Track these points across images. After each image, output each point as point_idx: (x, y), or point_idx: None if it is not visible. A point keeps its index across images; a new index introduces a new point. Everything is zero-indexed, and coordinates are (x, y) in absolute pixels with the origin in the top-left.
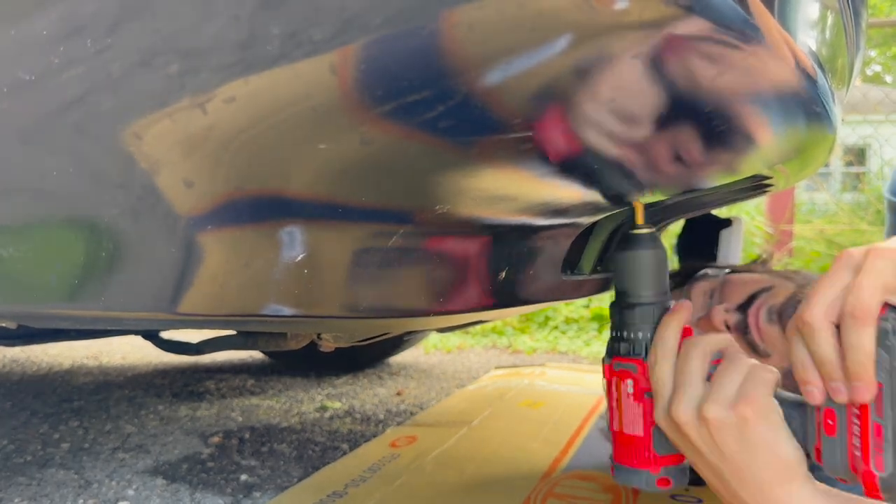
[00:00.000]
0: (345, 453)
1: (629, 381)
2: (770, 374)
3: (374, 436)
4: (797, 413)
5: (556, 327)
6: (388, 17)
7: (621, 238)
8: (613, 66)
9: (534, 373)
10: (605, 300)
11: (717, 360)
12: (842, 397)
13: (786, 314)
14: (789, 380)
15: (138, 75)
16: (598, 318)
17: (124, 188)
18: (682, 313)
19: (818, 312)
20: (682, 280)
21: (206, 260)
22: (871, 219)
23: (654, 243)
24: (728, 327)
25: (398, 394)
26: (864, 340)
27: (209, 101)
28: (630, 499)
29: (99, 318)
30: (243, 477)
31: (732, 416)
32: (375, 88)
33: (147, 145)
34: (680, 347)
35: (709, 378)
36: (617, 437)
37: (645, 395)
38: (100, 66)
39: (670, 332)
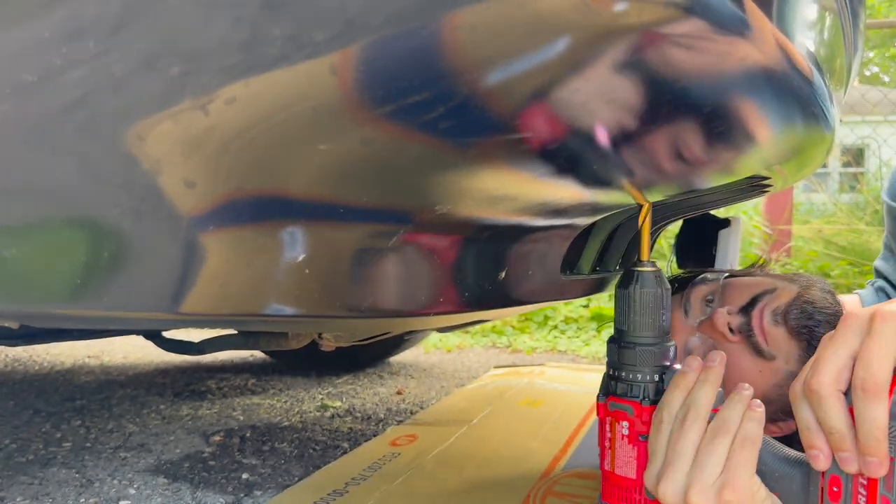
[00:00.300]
0: (345, 452)
1: (624, 423)
2: (752, 449)
3: (375, 434)
4: (799, 473)
5: (555, 327)
6: (388, 18)
7: (624, 273)
8: (612, 67)
9: (533, 372)
10: (604, 300)
11: (717, 409)
12: (852, 468)
13: (790, 316)
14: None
15: (140, 77)
16: (597, 317)
17: (126, 188)
18: (690, 375)
19: (826, 381)
20: (681, 285)
21: (207, 260)
22: (868, 219)
23: (658, 282)
24: (731, 330)
25: (398, 393)
26: (878, 415)
27: (211, 103)
28: None
29: (101, 318)
30: (244, 475)
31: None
32: (376, 89)
33: (149, 146)
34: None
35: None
36: (608, 476)
37: (640, 437)
38: (102, 67)
39: (677, 397)
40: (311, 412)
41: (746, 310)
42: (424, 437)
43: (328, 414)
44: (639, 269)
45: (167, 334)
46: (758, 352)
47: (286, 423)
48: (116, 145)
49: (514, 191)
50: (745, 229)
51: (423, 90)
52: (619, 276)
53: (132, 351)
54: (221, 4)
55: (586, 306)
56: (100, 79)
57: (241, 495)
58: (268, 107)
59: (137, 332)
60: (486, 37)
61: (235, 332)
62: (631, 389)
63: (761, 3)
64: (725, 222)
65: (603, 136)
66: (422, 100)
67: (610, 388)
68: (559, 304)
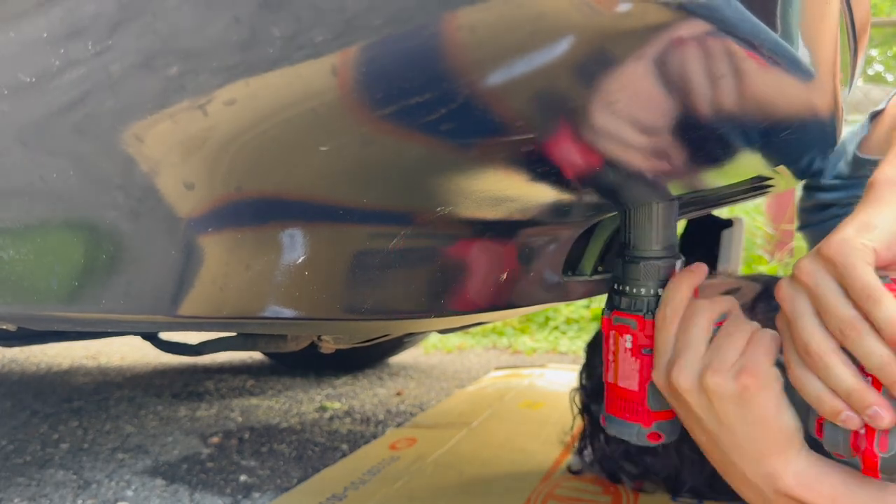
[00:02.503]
0: (344, 454)
1: (627, 337)
2: (772, 340)
3: (374, 436)
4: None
5: (556, 328)
6: (388, 18)
7: None
8: (615, 69)
9: (534, 373)
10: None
11: (720, 322)
12: (885, 421)
13: (757, 309)
14: None
15: (138, 77)
16: (598, 318)
17: (124, 190)
18: (695, 274)
19: (821, 340)
20: None
21: (206, 262)
22: None
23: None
24: None
25: (398, 394)
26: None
27: (209, 103)
28: (631, 500)
29: (99, 320)
30: (243, 477)
31: (734, 385)
32: (376, 90)
33: (147, 147)
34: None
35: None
36: (611, 388)
37: (642, 350)
38: (100, 67)
39: (680, 293)
40: (309, 413)
41: None
42: (424, 441)
43: (327, 415)
44: None
45: (164, 335)
46: None
47: (285, 425)
48: (114, 146)
49: (515, 192)
50: (748, 229)
51: (423, 91)
52: None
53: (130, 352)
54: (220, 4)
55: (588, 307)
56: (97, 79)
57: (240, 497)
58: (267, 107)
59: (135, 334)
60: (487, 37)
61: (234, 333)
62: (634, 303)
63: (767, 4)
64: (728, 223)
65: (605, 138)
66: (422, 101)
67: (614, 302)
68: (561, 304)
